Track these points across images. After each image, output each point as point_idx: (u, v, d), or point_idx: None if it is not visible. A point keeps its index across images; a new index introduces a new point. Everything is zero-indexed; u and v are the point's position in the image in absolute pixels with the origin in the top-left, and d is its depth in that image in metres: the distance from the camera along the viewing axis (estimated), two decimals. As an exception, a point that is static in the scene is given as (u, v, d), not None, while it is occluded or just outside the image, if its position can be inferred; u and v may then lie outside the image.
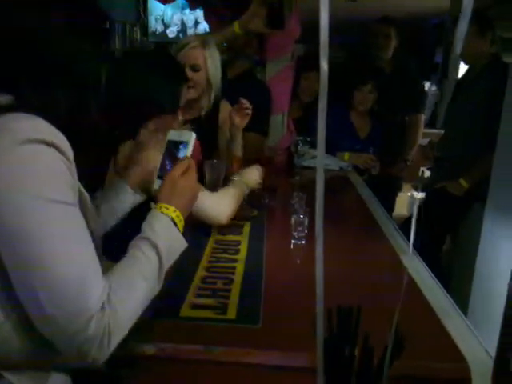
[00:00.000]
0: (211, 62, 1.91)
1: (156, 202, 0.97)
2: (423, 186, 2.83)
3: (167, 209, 0.94)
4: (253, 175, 1.70)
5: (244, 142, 2.25)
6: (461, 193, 2.37)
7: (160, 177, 1.06)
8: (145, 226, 0.89)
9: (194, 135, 1.07)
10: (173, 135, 1.10)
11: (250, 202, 1.72)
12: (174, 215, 0.94)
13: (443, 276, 2.01)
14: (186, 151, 1.07)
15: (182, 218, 0.95)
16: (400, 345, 0.64)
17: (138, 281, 0.81)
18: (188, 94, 1.85)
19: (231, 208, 1.50)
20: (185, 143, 1.07)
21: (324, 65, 0.37)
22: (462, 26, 0.40)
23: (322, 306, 0.48)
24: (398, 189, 3.24)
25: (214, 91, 1.98)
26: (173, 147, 1.09)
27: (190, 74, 1.85)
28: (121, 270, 0.80)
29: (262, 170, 1.77)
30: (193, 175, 1.02)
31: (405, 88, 3.04)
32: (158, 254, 0.85)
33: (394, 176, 3.08)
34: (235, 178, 1.62)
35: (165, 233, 0.90)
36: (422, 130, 3.15)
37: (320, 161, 0.43)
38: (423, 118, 3.13)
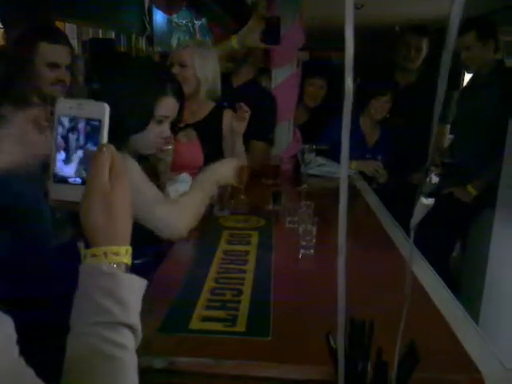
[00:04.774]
0: (199, 60, 2.01)
1: (86, 241, 0.64)
2: (431, 191, 2.81)
3: (117, 254, 0.63)
4: (224, 170, 1.50)
5: (250, 151, 2.26)
6: (468, 199, 2.35)
7: (62, 179, 0.68)
8: (106, 301, 0.60)
9: (107, 107, 0.68)
10: (69, 108, 0.68)
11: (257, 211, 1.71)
12: (127, 259, 0.64)
13: (453, 283, 1.99)
14: (100, 135, 0.67)
15: (130, 250, 0.66)
16: (415, 357, 0.63)
17: None
18: None
19: (189, 220, 1.35)
20: (94, 121, 0.68)
21: (349, 81, 0.37)
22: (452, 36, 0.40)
23: (343, 320, 0.47)
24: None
25: (207, 91, 2.05)
26: (75, 129, 0.68)
27: (177, 69, 1.99)
28: None
29: (236, 162, 1.56)
30: (123, 174, 0.65)
31: (429, 97, 3.00)
32: (135, 332, 0.64)
33: (414, 184, 3.05)
34: (203, 175, 1.46)
35: (136, 300, 0.65)
36: (447, 139, 3.10)
37: (344, 178, 0.42)
38: (448, 127, 3.06)
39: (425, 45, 2.95)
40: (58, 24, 3.48)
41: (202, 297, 1.13)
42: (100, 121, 0.67)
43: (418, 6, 3.40)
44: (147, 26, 4.65)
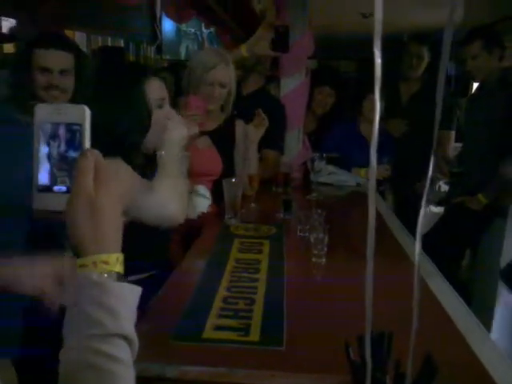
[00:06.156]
0: (232, 78, 2.05)
1: (74, 249, 0.59)
2: (440, 200, 2.80)
3: (106, 263, 0.58)
4: (177, 133, 1.33)
5: (260, 159, 2.26)
6: (479, 208, 2.34)
7: (46, 188, 0.64)
8: (96, 312, 0.56)
9: (86, 110, 0.63)
10: (48, 114, 0.64)
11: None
12: (118, 268, 0.60)
13: (463, 291, 1.97)
14: (82, 140, 0.63)
15: (122, 257, 0.61)
16: (432, 369, 0.62)
17: None
18: (212, 105, 1.97)
19: (179, 200, 1.26)
20: (75, 125, 0.63)
21: (377, 99, 0.37)
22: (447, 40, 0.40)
23: (369, 335, 0.47)
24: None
25: (232, 102, 2.09)
26: (56, 135, 0.63)
27: (218, 90, 1.99)
28: None
29: (178, 117, 1.39)
30: (109, 178, 0.61)
31: (433, 106, 2.98)
32: (130, 342, 0.59)
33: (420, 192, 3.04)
34: (162, 152, 1.29)
35: (128, 309, 0.60)
36: (452, 145, 3.09)
37: (372, 195, 0.42)
38: (453, 134, 3.04)
39: (426, 53, 2.96)
40: (69, 33, 3.51)
41: (214, 305, 1.13)
42: (81, 125, 0.63)
43: (428, 16, 3.41)
44: (158, 34, 4.69)
